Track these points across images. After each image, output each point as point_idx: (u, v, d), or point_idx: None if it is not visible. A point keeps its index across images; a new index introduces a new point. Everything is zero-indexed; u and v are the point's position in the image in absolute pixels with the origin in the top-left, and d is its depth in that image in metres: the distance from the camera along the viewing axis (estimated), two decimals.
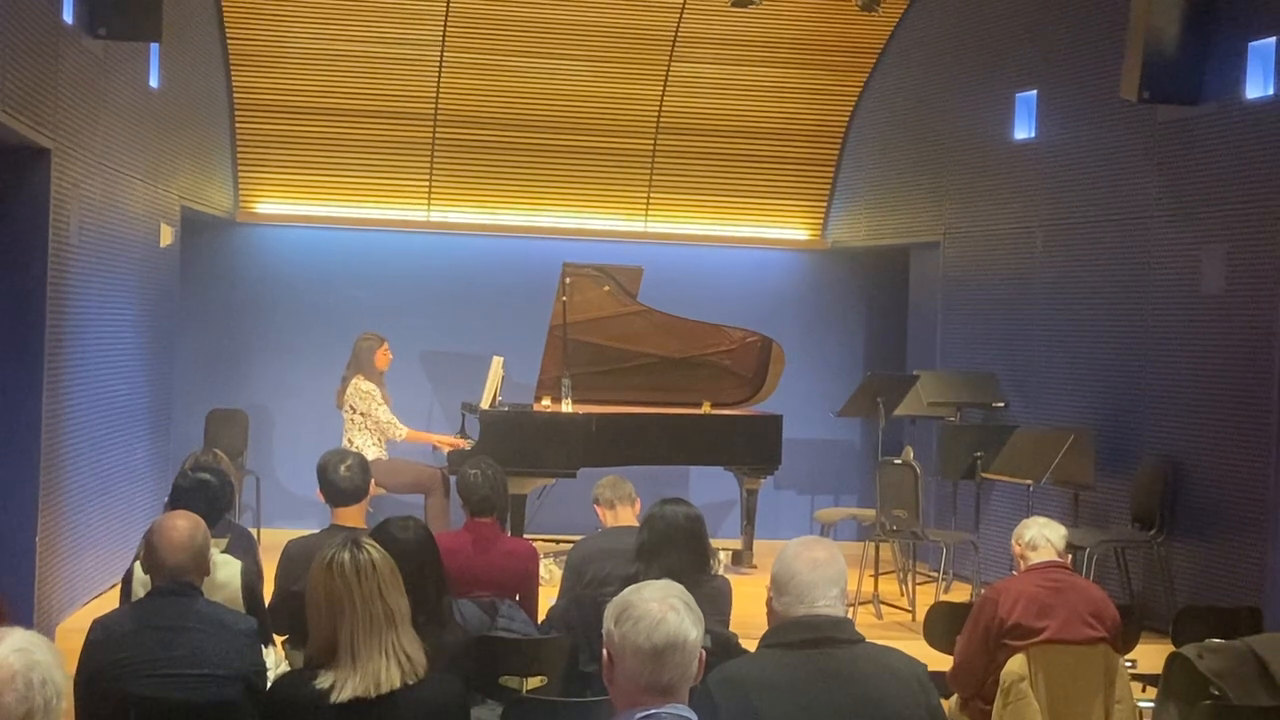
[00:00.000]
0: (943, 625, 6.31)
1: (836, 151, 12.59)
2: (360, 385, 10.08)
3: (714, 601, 5.34)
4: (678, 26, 11.71)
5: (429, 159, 12.12)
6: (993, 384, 10.33)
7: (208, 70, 11.09)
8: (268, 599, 5.56)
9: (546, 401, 10.30)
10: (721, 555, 10.00)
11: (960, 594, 9.44)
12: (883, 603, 9.22)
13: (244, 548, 5.72)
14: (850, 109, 12.42)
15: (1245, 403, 8.28)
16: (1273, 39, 8.22)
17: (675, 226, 12.55)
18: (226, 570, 5.15)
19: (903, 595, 9.39)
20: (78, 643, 4.16)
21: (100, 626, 4.17)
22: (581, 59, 11.85)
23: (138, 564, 4.97)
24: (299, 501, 11.37)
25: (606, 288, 10.63)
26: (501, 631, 5.43)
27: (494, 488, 6.17)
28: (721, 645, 4.83)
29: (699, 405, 10.72)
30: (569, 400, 10.11)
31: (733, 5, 10.32)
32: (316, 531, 6.13)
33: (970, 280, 11.00)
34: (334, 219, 12.07)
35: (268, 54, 11.53)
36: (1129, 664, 5.92)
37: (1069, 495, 9.35)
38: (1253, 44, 8.33)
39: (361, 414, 10.06)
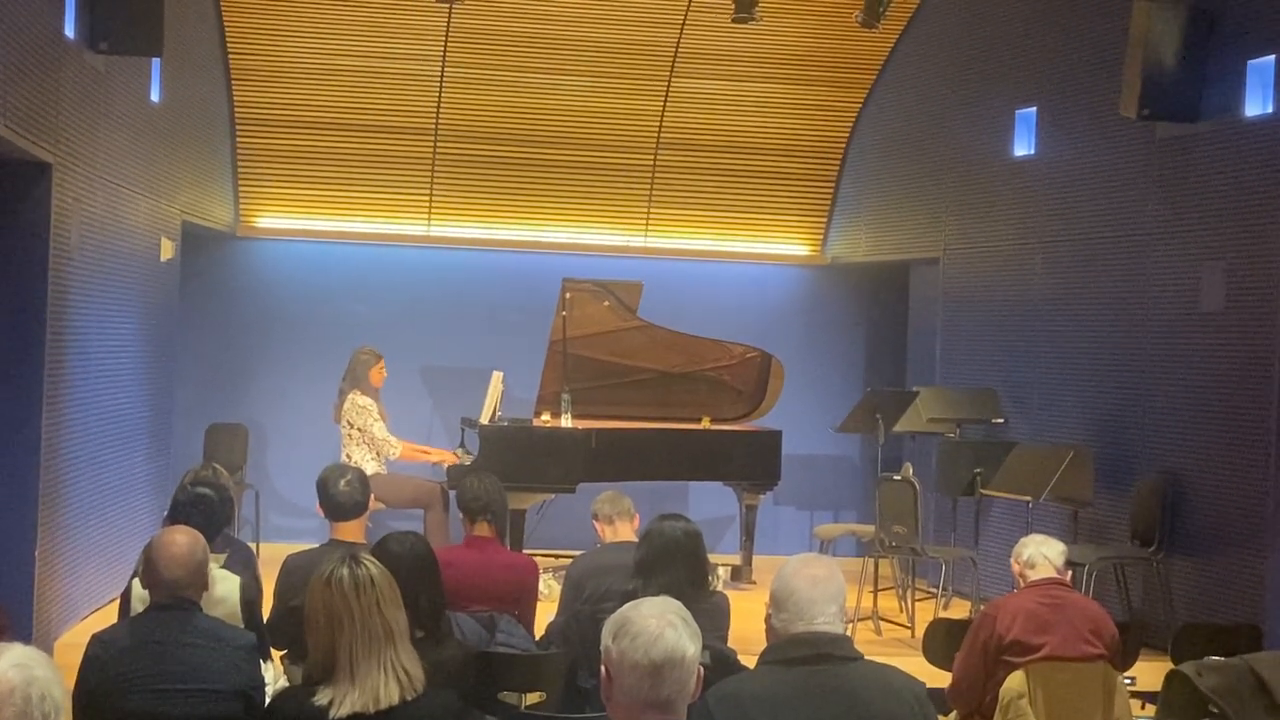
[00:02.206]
0: (942, 642, 6.31)
1: (837, 167, 12.61)
2: (357, 400, 10.08)
3: (712, 618, 5.33)
4: (678, 42, 11.73)
5: (429, 174, 12.13)
6: (992, 400, 10.33)
7: (209, 85, 11.11)
8: (266, 614, 5.56)
9: (546, 416, 10.29)
10: (720, 571, 9.99)
11: (959, 611, 9.43)
12: (882, 619, 9.22)
13: (243, 562, 5.72)
14: (850, 125, 12.44)
15: (1244, 419, 8.28)
16: (1271, 57, 8.23)
17: (675, 242, 12.56)
18: (225, 586, 5.15)
19: (902, 612, 9.38)
20: (76, 658, 4.16)
21: (99, 642, 4.17)
22: (582, 74, 11.87)
23: (136, 581, 4.97)
24: (298, 516, 11.36)
25: (606, 303, 10.64)
26: (500, 647, 5.42)
27: (490, 494, 6.18)
28: (720, 662, 4.82)
29: (698, 420, 10.72)
30: (568, 415, 10.11)
31: (733, 21, 10.35)
32: (316, 546, 6.13)
33: (970, 296, 11.00)
34: (334, 233, 12.08)
35: (269, 69, 11.55)
36: (1128, 681, 5.92)
37: (1068, 512, 9.35)
38: (1251, 62, 8.34)
39: (359, 429, 10.06)
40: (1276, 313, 8.04)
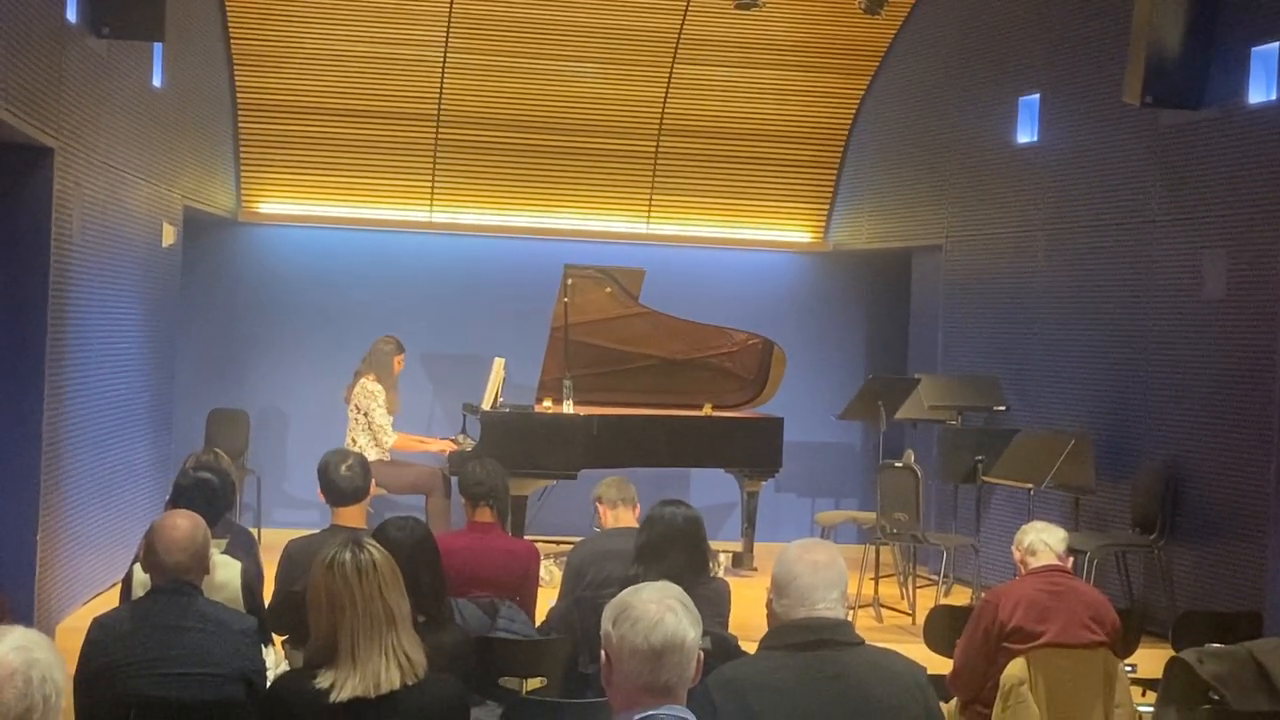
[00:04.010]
0: (943, 628, 6.31)
1: (839, 154, 12.59)
2: (368, 385, 10.07)
3: (713, 603, 5.33)
4: (681, 28, 11.71)
5: (431, 159, 12.12)
6: (994, 387, 10.32)
7: (211, 70, 11.10)
8: (268, 599, 5.56)
9: (548, 403, 10.30)
10: (722, 558, 10.00)
11: (960, 597, 9.43)
12: (883, 606, 9.22)
13: (244, 547, 5.71)
14: (853, 112, 12.42)
15: (1246, 407, 8.28)
16: (1275, 44, 8.21)
17: (677, 228, 12.55)
18: (226, 571, 5.15)
19: (903, 598, 9.38)
20: (78, 641, 4.16)
21: (100, 625, 4.17)
22: (585, 60, 11.85)
23: (137, 566, 4.97)
24: (300, 501, 11.38)
25: (608, 289, 10.64)
26: (501, 632, 5.42)
27: (493, 479, 6.17)
28: (721, 647, 4.82)
29: (700, 407, 10.71)
30: (570, 402, 10.11)
31: (736, 8, 10.33)
32: (317, 531, 6.14)
33: (972, 284, 11.00)
34: (336, 219, 12.08)
35: (271, 54, 11.54)
36: (1129, 668, 5.92)
37: (1070, 499, 9.34)
38: (1255, 49, 8.33)
39: (364, 414, 10.06)
40: (1278, 300, 8.03)
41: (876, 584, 9.29)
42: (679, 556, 5.28)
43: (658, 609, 2.95)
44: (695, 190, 12.48)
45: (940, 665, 5.81)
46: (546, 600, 6.18)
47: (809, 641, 3.45)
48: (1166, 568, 8.71)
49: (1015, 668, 5.45)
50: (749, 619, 5.14)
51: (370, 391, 10.06)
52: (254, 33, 11.42)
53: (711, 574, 5.83)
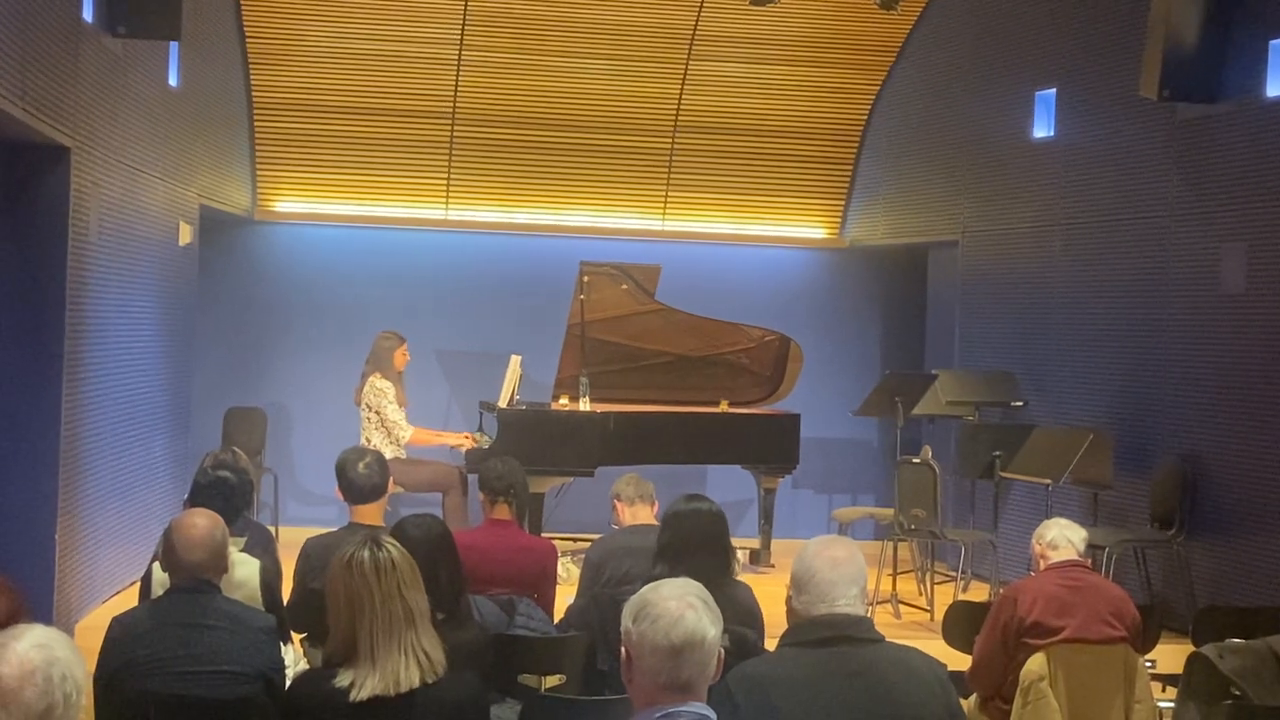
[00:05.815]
0: (961, 624, 6.30)
1: (855, 150, 12.57)
2: (376, 383, 10.09)
3: (736, 606, 5.30)
4: (696, 25, 11.70)
5: (447, 157, 12.12)
6: (1011, 383, 10.30)
7: (226, 69, 11.11)
8: (286, 597, 5.57)
9: (564, 400, 10.30)
10: (740, 555, 9.99)
11: (979, 593, 9.41)
12: (901, 602, 9.21)
13: (262, 545, 5.73)
14: (869, 107, 12.40)
15: (1265, 401, 8.25)
16: None
17: (693, 225, 12.54)
18: (244, 570, 5.15)
19: (921, 595, 9.37)
20: (97, 640, 4.17)
21: (119, 624, 4.18)
22: (600, 57, 11.85)
23: (156, 565, 4.98)
24: (317, 499, 11.39)
25: (624, 286, 10.63)
26: (520, 630, 5.42)
27: (513, 474, 6.18)
28: (740, 644, 4.81)
29: (717, 404, 10.71)
30: (587, 399, 10.11)
31: (751, 4, 10.31)
32: (335, 529, 6.14)
33: (989, 279, 10.97)
34: (352, 217, 12.09)
35: (286, 52, 11.55)
36: (1149, 664, 5.91)
37: (1088, 495, 9.32)
38: (1273, 42, 8.29)
39: (375, 412, 10.07)
40: None
41: (895, 580, 9.28)
42: (703, 557, 5.22)
43: (678, 606, 2.95)
44: (711, 187, 12.47)
45: (959, 662, 5.79)
46: (565, 597, 6.18)
47: (829, 638, 3.45)
48: (1186, 563, 8.68)
49: (1035, 663, 5.44)
50: (767, 616, 5.13)
51: (379, 389, 10.07)
52: (269, 31, 11.43)
53: (732, 573, 5.81)
